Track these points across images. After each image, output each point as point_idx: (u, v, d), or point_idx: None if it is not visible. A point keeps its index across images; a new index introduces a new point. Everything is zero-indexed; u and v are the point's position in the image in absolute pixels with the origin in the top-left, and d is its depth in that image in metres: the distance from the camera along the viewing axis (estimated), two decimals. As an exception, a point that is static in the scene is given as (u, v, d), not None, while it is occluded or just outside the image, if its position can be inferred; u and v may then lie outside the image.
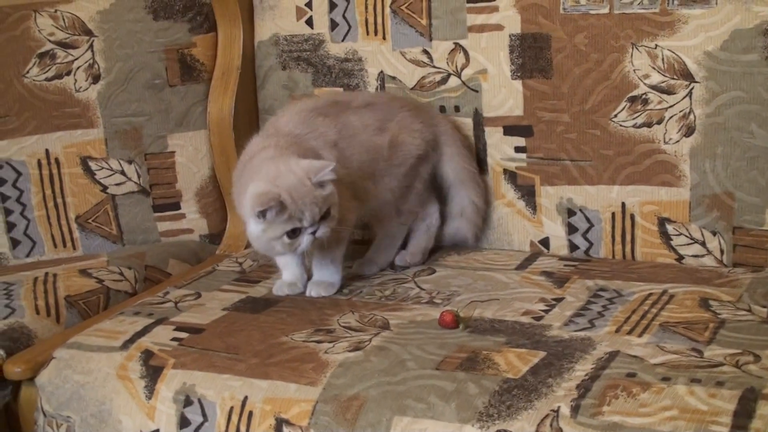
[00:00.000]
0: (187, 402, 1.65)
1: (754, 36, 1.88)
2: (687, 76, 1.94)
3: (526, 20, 2.04)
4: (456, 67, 2.12)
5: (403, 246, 2.08)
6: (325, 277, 1.93)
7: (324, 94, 2.19)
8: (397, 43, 2.17)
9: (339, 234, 1.86)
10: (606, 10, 1.98)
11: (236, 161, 2.26)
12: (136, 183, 2.29)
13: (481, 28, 2.09)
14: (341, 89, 2.22)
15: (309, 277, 1.95)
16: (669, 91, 1.96)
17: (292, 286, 1.94)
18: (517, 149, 2.09)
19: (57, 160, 2.25)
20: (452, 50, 2.12)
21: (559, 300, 1.83)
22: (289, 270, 1.95)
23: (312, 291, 1.91)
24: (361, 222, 2.03)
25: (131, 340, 1.77)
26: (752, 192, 1.93)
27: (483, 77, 2.10)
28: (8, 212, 2.23)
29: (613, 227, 2.05)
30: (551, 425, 1.44)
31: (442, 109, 2.14)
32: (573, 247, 2.09)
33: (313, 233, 1.79)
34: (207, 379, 1.65)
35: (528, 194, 2.10)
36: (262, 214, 1.76)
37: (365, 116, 2.00)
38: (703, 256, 1.99)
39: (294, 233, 1.78)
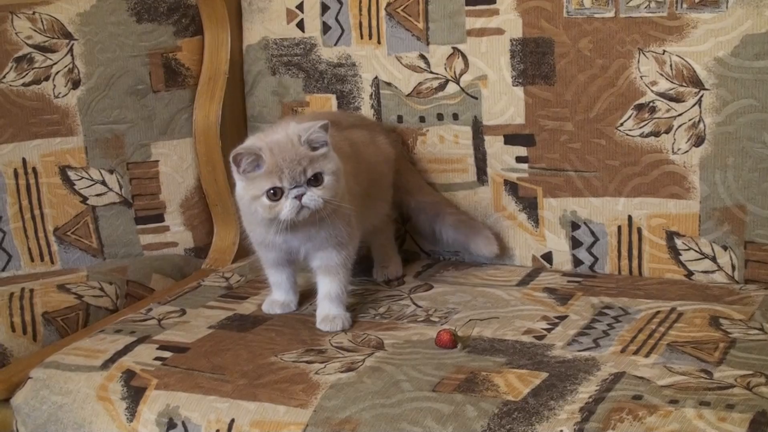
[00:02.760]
0: (171, 425, 1.65)
1: (766, 41, 1.89)
2: (696, 83, 1.95)
3: (528, 24, 2.06)
4: (454, 72, 2.13)
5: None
6: (336, 310, 1.86)
7: (312, 114, 2.20)
8: (393, 48, 2.18)
9: (342, 245, 1.84)
10: (611, 14, 1.99)
11: (223, 171, 2.29)
12: (117, 194, 2.30)
13: (481, 32, 2.10)
14: (333, 95, 2.23)
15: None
16: (677, 99, 1.97)
17: (284, 306, 1.95)
18: (519, 159, 2.10)
19: (34, 170, 2.26)
20: (450, 55, 2.13)
21: (562, 318, 1.84)
22: (281, 290, 1.95)
23: (325, 326, 1.85)
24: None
25: (112, 360, 1.78)
26: (765, 205, 1.94)
27: (483, 84, 2.11)
28: (-17, 224, 2.25)
29: (619, 241, 2.05)
30: (553, 450, 1.45)
31: (440, 116, 2.16)
32: (577, 262, 2.10)
33: (299, 198, 1.73)
34: (192, 401, 1.66)
35: (530, 206, 2.11)
36: (236, 161, 1.74)
37: (361, 135, 2.04)
38: (713, 272, 2.00)
39: (276, 195, 1.73)
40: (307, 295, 1.99)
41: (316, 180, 1.74)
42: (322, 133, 1.76)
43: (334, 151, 1.80)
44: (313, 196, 1.73)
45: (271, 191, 1.73)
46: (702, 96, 1.95)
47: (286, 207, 1.73)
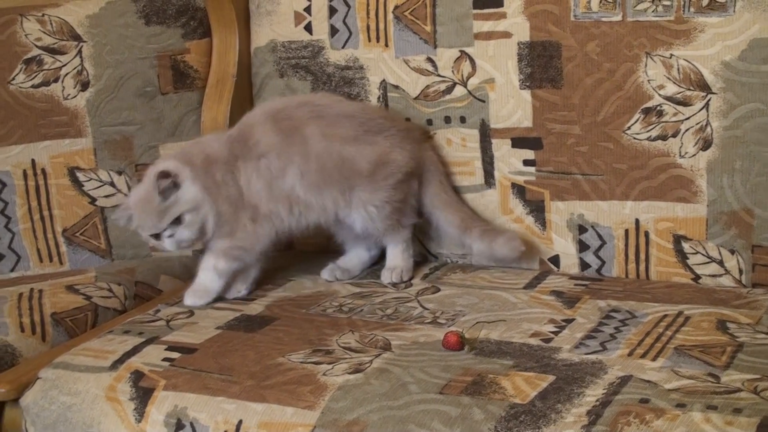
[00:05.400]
0: (179, 425, 1.66)
1: (774, 46, 1.90)
2: (704, 87, 1.95)
3: (536, 27, 2.06)
4: (462, 76, 2.13)
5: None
6: (205, 281, 2.01)
7: (302, 96, 2.21)
8: (400, 51, 2.18)
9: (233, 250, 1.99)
10: (619, 18, 1.99)
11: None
12: (126, 195, 2.30)
13: (489, 36, 2.10)
14: (341, 98, 2.23)
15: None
16: (685, 103, 1.97)
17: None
18: (526, 162, 2.11)
19: (43, 171, 2.26)
20: (458, 58, 2.13)
21: (569, 321, 1.84)
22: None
23: (187, 299, 2.00)
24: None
25: (120, 360, 1.78)
26: (772, 209, 1.94)
27: (490, 87, 2.11)
28: (-8, 225, 2.25)
29: (627, 245, 2.05)
30: (560, 453, 1.45)
31: (447, 119, 2.16)
32: (584, 265, 2.10)
33: (172, 236, 1.95)
34: (200, 402, 1.66)
35: (537, 210, 2.11)
36: (115, 222, 2.00)
37: (338, 126, 2.02)
38: (720, 275, 2.00)
39: (156, 237, 1.96)
40: (309, 295, 1.99)
41: (178, 221, 1.94)
42: (163, 182, 1.91)
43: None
44: (180, 235, 1.95)
45: (150, 236, 1.96)
46: (709, 100, 1.95)
47: (167, 245, 1.97)
